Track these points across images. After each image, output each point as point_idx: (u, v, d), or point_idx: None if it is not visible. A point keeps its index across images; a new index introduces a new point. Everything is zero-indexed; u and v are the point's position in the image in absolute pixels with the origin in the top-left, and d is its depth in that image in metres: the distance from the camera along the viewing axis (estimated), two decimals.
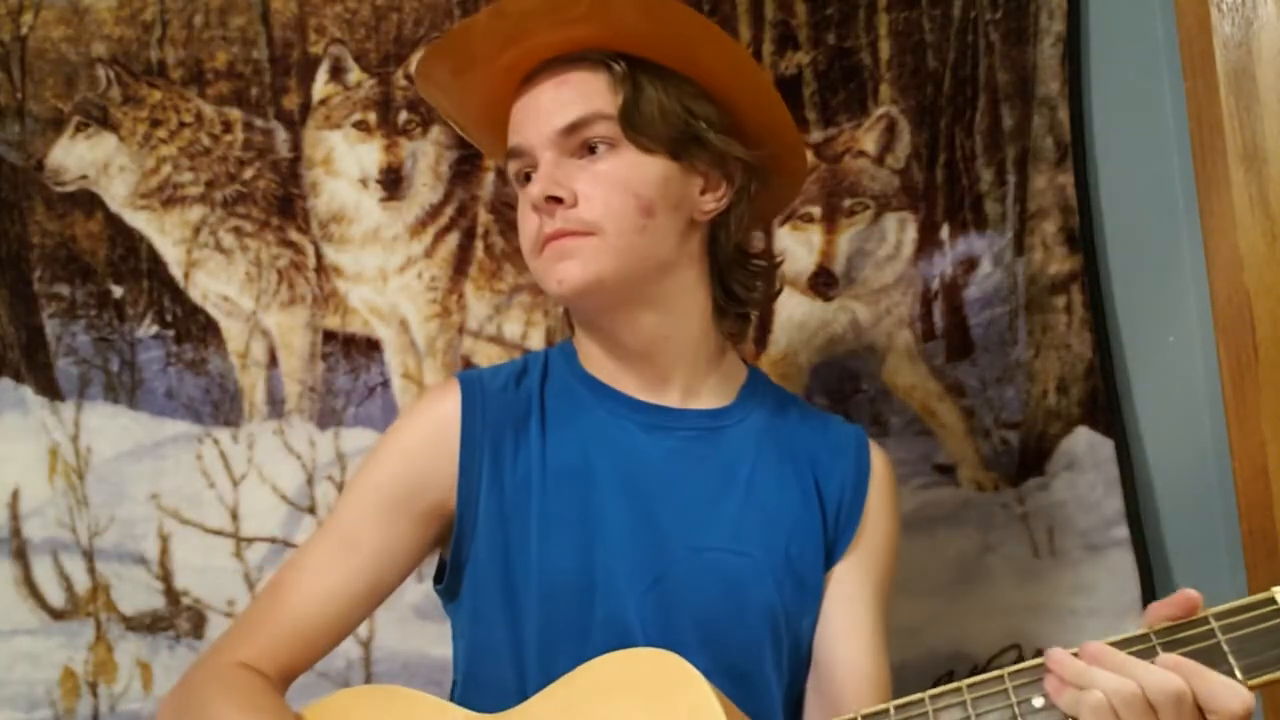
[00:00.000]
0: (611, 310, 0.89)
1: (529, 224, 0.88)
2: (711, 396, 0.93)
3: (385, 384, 1.22)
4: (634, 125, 0.86)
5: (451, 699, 0.90)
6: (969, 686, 0.71)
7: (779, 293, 1.02)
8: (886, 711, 0.74)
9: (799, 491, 0.92)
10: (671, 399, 0.91)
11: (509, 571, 0.87)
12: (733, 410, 0.94)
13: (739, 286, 0.94)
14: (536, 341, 1.23)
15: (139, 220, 1.22)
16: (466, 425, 0.89)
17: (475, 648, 0.89)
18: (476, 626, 0.89)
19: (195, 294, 1.22)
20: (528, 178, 0.88)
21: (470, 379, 0.92)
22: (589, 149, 0.86)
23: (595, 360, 0.93)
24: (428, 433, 0.90)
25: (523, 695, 0.83)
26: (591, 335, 0.92)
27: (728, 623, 0.87)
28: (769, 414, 0.95)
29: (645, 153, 0.86)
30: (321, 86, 1.22)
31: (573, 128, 0.86)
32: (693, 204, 0.89)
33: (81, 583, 1.18)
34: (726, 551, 0.88)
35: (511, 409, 0.91)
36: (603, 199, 0.85)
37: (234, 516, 1.20)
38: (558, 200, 0.85)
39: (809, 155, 1.23)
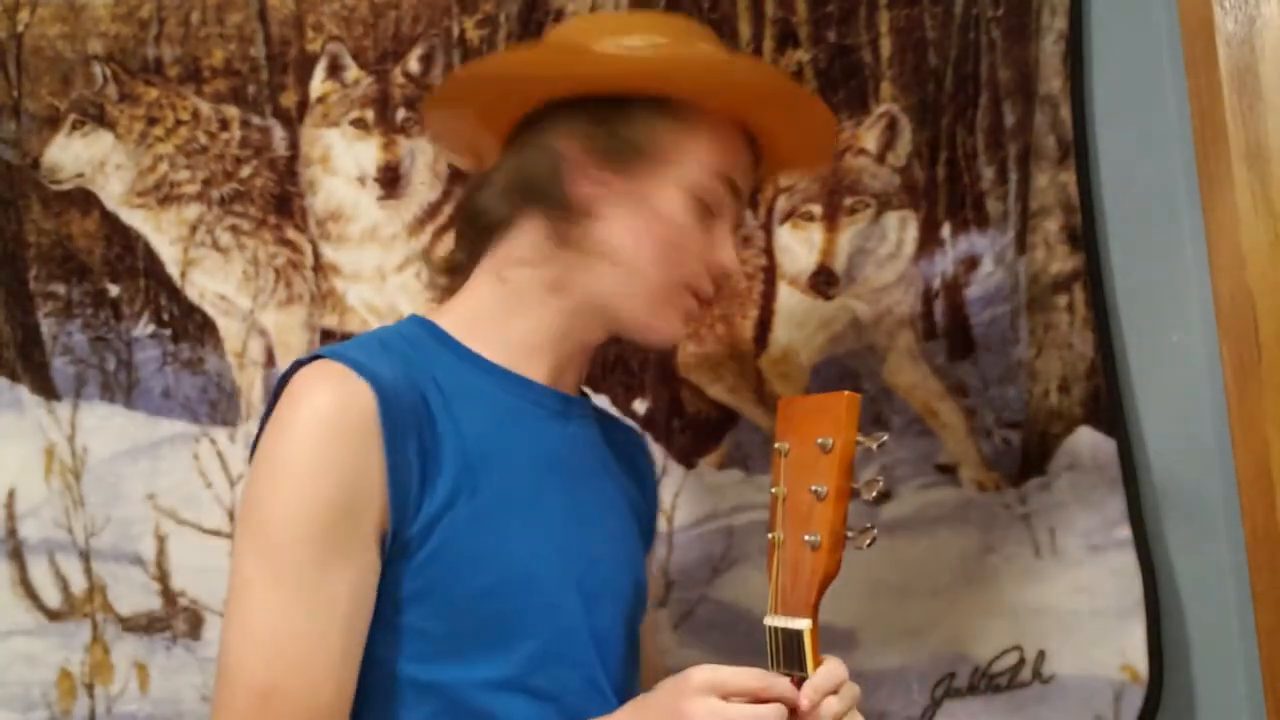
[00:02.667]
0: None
1: (694, 260, 0.88)
2: (572, 386, 0.95)
3: None
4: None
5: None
6: None
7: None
8: None
9: (630, 485, 0.99)
10: (567, 386, 0.92)
11: (459, 570, 0.79)
12: (588, 401, 0.99)
13: None
14: None
15: (135, 219, 1.21)
16: (387, 423, 0.76)
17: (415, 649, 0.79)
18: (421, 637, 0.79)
19: (192, 293, 1.21)
20: (713, 216, 0.89)
21: (365, 368, 0.77)
22: None
23: (498, 344, 0.87)
24: (353, 440, 0.75)
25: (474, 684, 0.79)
26: (540, 326, 0.88)
27: (633, 601, 0.93)
28: (594, 409, 1.00)
29: None
30: (319, 84, 1.22)
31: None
32: None
33: (78, 583, 1.17)
34: (621, 533, 0.95)
35: (412, 395, 0.79)
36: None
37: (231, 516, 1.19)
38: None
39: None
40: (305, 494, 0.73)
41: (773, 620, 0.79)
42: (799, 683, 0.75)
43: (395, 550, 0.76)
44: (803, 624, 0.77)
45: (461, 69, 1.17)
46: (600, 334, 0.91)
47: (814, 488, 0.79)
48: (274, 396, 0.80)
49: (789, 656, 0.77)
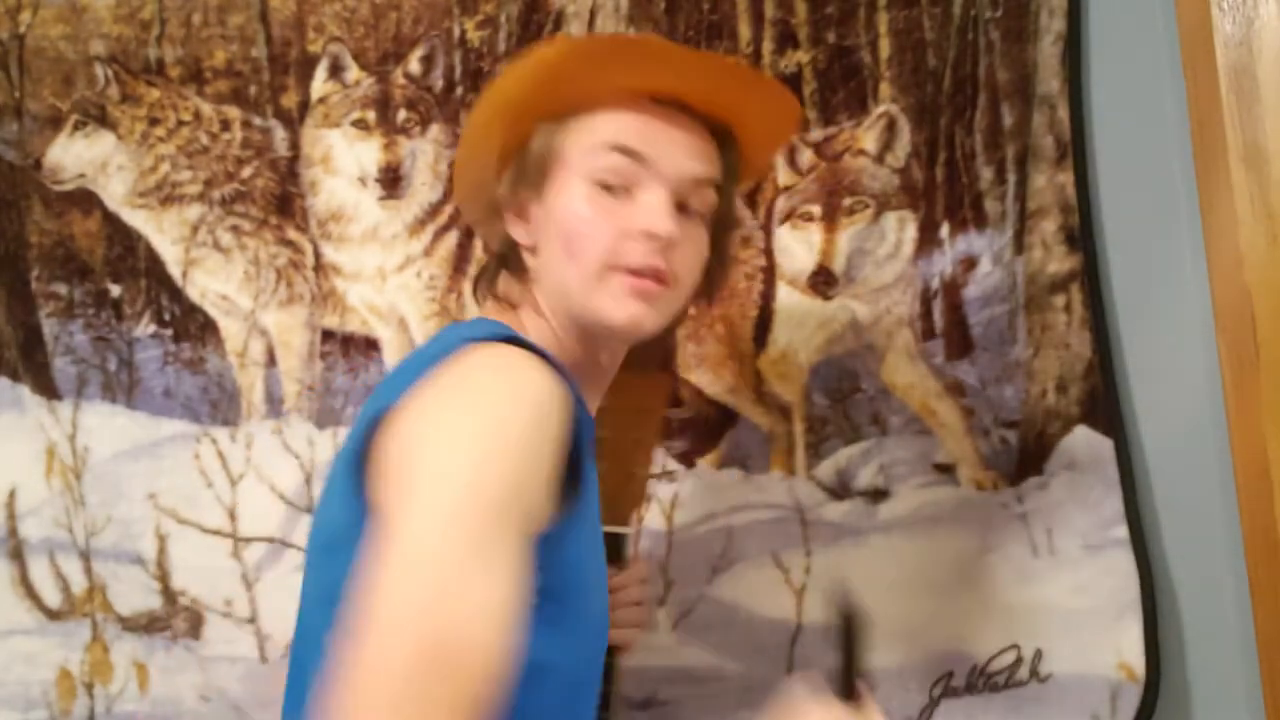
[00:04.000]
0: (622, 347, 0.92)
1: (611, 238, 0.85)
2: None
3: None
4: (720, 209, 0.91)
5: None
6: None
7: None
8: None
9: None
10: (592, 410, 0.93)
11: (583, 597, 0.80)
12: None
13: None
14: None
15: (137, 219, 1.21)
16: (574, 425, 0.75)
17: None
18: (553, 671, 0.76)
19: (193, 293, 1.21)
20: (609, 187, 0.87)
21: (532, 344, 0.80)
22: (682, 209, 0.88)
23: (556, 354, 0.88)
24: (556, 429, 0.73)
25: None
26: (568, 340, 0.89)
27: None
28: None
29: (707, 230, 0.91)
30: (320, 85, 1.22)
31: (700, 183, 0.88)
32: None
33: (78, 583, 1.18)
34: None
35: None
36: (690, 261, 0.88)
37: (232, 516, 1.19)
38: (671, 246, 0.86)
39: (809, 154, 1.23)
40: (504, 463, 0.69)
41: (605, 528, 0.91)
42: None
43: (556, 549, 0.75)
44: (628, 530, 0.99)
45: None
46: (596, 346, 0.90)
47: (635, 436, 1.02)
48: (424, 362, 0.76)
49: (613, 555, 0.95)
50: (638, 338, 0.88)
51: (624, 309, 0.85)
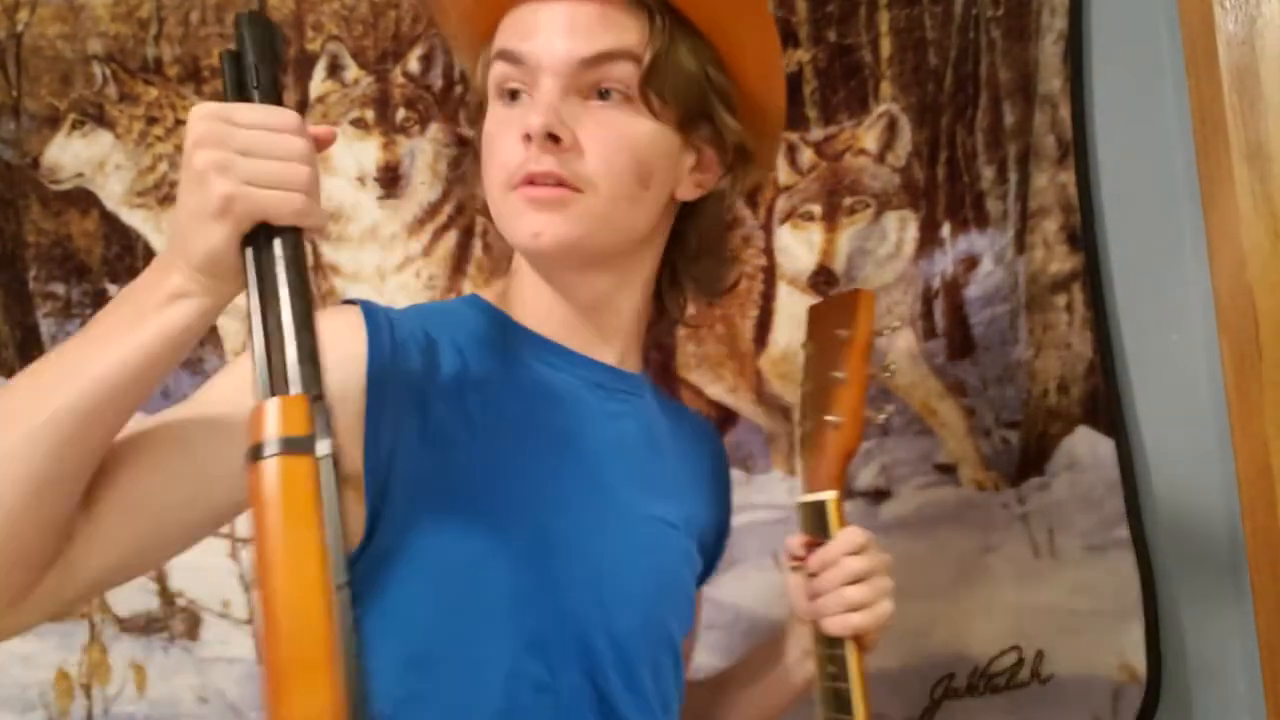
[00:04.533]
0: (572, 269, 0.84)
1: (508, 153, 0.79)
2: (634, 363, 0.91)
3: None
4: (656, 83, 0.79)
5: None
6: None
7: (731, 288, 1.00)
8: None
9: (691, 472, 0.94)
10: (608, 358, 0.87)
11: (450, 538, 0.74)
12: (644, 380, 0.93)
13: (695, 275, 0.91)
14: None
15: (135, 218, 1.21)
16: (374, 362, 0.74)
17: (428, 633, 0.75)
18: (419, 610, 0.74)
19: None
20: (513, 95, 0.81)
21: (372, 306, 0.77)
22: (599, 93, 0.79)
23: (530, 311, 0.85)
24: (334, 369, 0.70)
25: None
26: (536, 284, 0.85)
27: (667, 594, 0.87)
28: (656, 391, 0.96)
29: (655, 118, 0.80)
30: (319, 84, 1.22)
31: (597, 60, 0.77)
32: (680, 181, 0.85)
33: None
34: (664, 521, 0.88)
35: (413, 346, 0.77)
36: (605, 155, 0.78)
37: None
38: (556, 140, 0.76)
39: (810, 153, 1.23)
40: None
41: (802, 498, 0.87)
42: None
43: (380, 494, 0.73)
44: (828, 495, 0.86)
45: None
46: (552, 279, 0.85)
47: (835, 374, 0.88)
48: None
49: (817, 527, 0.86)
50: (553, 254, 0.80)
51: (526, 225, 0.78)
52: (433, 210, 1.22)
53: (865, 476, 1.21)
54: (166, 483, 0.68)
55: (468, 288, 1.22)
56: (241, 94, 0.65)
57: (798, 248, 1.23)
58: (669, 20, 0.80)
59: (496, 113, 0.82)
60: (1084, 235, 1.22)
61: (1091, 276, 1.22)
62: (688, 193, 0.86)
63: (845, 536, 0.84)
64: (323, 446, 0.57)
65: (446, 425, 0.76)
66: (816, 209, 1.23)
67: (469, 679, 0.74)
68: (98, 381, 0.61)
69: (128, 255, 1.21)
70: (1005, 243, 1.23)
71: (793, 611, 0.92)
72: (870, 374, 0.90)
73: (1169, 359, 1.23)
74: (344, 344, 0.72)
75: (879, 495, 1.21)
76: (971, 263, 1.23)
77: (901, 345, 1.23)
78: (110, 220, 1.21)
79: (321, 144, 0.65)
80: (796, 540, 0.88)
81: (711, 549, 0.99)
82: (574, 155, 0.78)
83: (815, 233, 1.23)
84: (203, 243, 0.61)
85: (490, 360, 0.81)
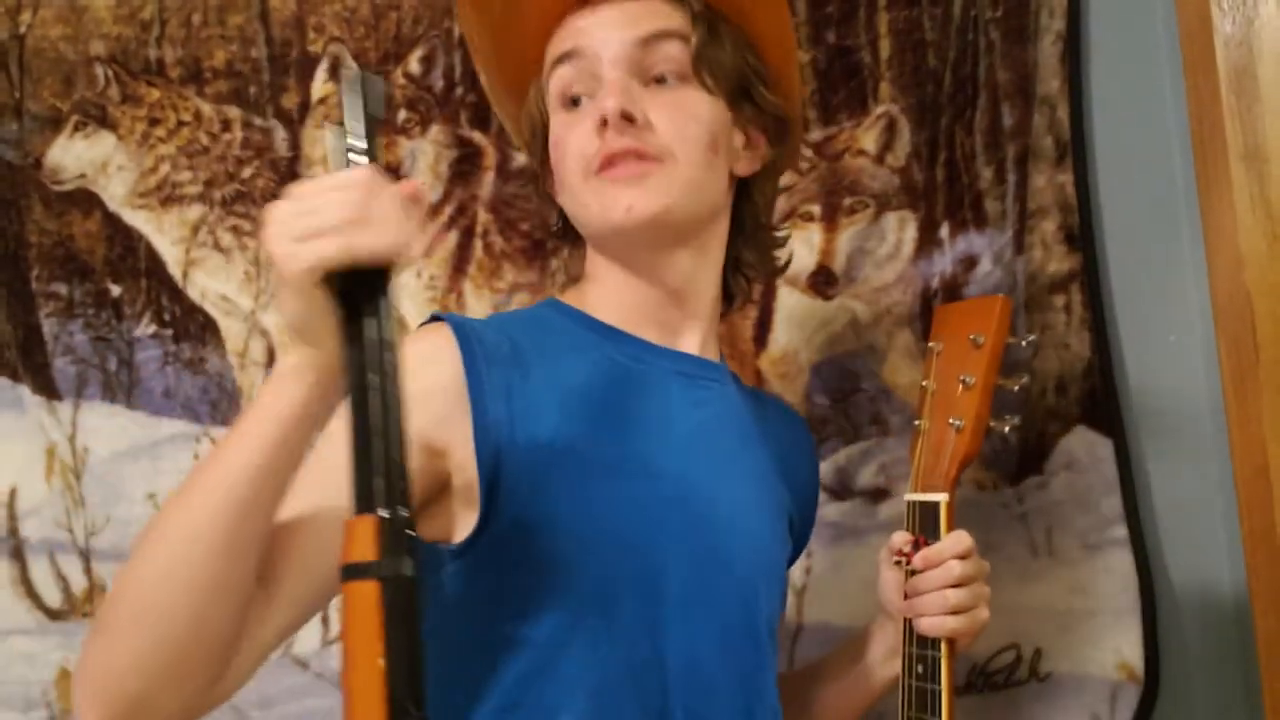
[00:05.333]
0: (660, 247, 0.86)
1: (584, 143, 0.83)
2: (713, 351, 0.93)
3: None
4: (707, 62, 0.84)
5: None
6: None
7: (785, 268, 1.01)
8: None
9: (778, 458, 0.94)
10: (690, 347, 0.89)
11: (554, 530, 0.76)
12: (726, 369, 0.94)
13: (755, 253, 0.94)
14: None
15: (137, 219, 1.21)
16: (469, 364, 0.77)
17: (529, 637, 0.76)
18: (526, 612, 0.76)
19: (194, 293, 1.21)
20: (575, 102, 0.85)
21: (459, 321, 0.81)
22: (656, 79, 0.84)
23: (611, 308, 0.87)
24: (422, 366, 0.74)
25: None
26: (617, 277, 0.87)
27: (755, 583, 0.87)
28: (737, 379, 0.97)
29: (709, 93, 0.85)
30: (320, 85, 1.22)
31: (651, 39, 0.83)
32: (736, 156, 0.89)
33: (78, 583, 1.18)
34: (750, 507, 0.88)
35: (503, 348, 0.80)
36: (676, 126, 0.83)
37: None
38: (630, 120, 0.81)
39: (810, 154, 1.23)
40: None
41: (913, 496, 0.88)
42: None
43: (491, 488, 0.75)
44: (941, 497, 0.87)
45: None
46: (636, 264, 0.87)
47: (963, 378, 0.89)
48: None
49: (926, 526, 0.86)
50: (647, 226, 0.82)
51: (615, 202, 0.81)
52: (433, 211, 1.22)
53: (865, 476, 1.22)
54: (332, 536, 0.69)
55: (468, 288, 1.22)
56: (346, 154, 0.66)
57: (797, 248, 1.23)
58: (704, 6, 0.86)
59: (561, 119, 0.86)
60: (1082, 236, 1.22)
61: (1090, 277, 1.22)
62: (745, 167, 0.90)
63: (954, 539, 0.86)
64: (396, 566, 0.57)
65: (541, 433, 0.77)
66: (816, 209, 1.23)
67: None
68: (244, 475, 0.65)
69: (130, 256, 1.21)
70: (1004, 243, 1.23)
71: (884, 608, 0.92)
72: (998, 383, 0.90)
73: (1167, 359, 1.23)
74: (440, 365, 0.77)
75: (879, 495, 1.21)
76: (970, 263, 1.23)
77: (901, 345, 1.23)
78: (112, 221, 1.21)
79: (410, 198, 0.64)
80: (902, 536, 0.89)
81: (800, 532, 1.01)
82: (647, 131, 0.82)
83: (815, 233, 1.23)
84: (287, 312, 0.64)
85: (577, 360, 0.83)
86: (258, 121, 1.22)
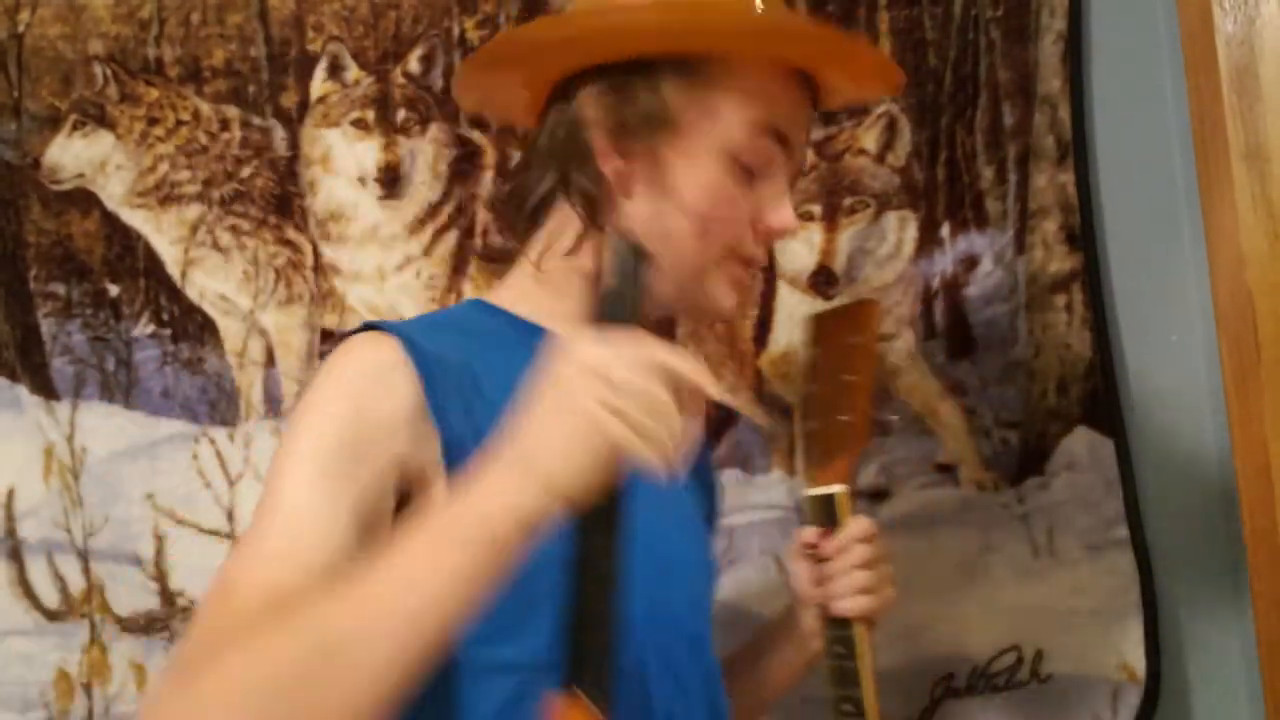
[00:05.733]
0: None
1: (737, 231, 0.82)
2: None
3: None
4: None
5: None
6: None
7: None
8: None
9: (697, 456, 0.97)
10: None
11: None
12: None
13: None
14: None
15: (136, 219, 1.21)
16: (422, 368, 0.75)
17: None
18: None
19: (192, 293, 1.21)
20: (749, 172, 0.82)
21: (398, 330, 0.77)
22: None
23: (547, 315, 0.83)
24: (379, 386, 0.73)
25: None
26: (577, 298, 0.84)
27: (707, 583, 0.92)
28: None
29: None
30: (319, 84, 1.22)
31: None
32: None
33: (76, 583, 1.17)
34: (693, 507, 0.92)
35: (451, 359, 0.77)
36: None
37: (230, 517, 1.19)
38: None
39: (810, 154, 1.23)
40: (333, 411, 0.73)
41: (811, 491, 0.91)
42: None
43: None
44: (839, 488, 0.89)
45: (502, 35, 1.08)
46: (651, 313, 0.84)
47: (846, 377, 0.92)
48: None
49: (827, 518, 0.89)
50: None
51: (729, 298, 0.83)
52: (433, 210, 1.22)
53: (865, 476, 1.21)
54: None
55: (468, 287, 1.22)
56: (615, 320, 0.68)
57: (797, 247, 1.23)
58: None
59: (731, 184, 0.81)
60: (1083, 235, 1.22)
61: (1091, 277, 1.22)
62: None
63: (858, 525, 0.89)
64: None
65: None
66: (816, 209, 1.23)
67: None
68: (450, 607, 0.62)
69: (128, 255, 1.21)
70: (1005, 243, 1.23)
71: (798, 599, 0.94)
72: (874, 415, 0.96)
73: (1168, 359, 1.23)
74: (400, 388, 0.74)
75: (879, 495, 1.21)
76: (971, 263, 1.23)
77: (901, 345, 1.23)
78: (111, 220, 1.21)
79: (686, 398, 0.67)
80: (809, 530, 0.91)
81: (713, 520, 1.05)
82: None
83: (815, 233, 1.23)
84: (578, 475, 0.62)
85: (521, 369, 0.76)
86: (256, 121, 1.21)
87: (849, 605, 0.88)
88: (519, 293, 0.87)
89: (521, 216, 0.87)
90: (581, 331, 0.67)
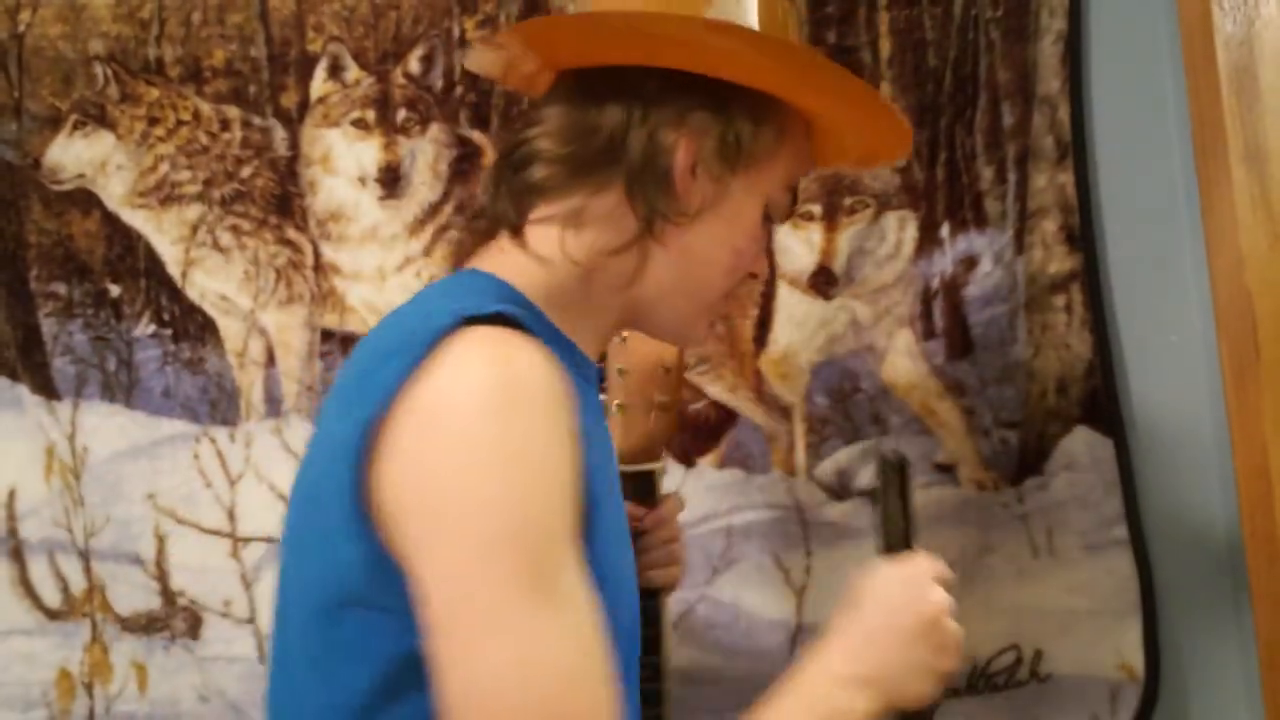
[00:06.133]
0: None
1: (736, 275, 0.82)
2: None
3: None
4: None
5: None
6: None
7: None
8: None
9: None
10: (592, 352, 0.85)
11: (615, 588, 0.71)
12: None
13: None
14: None
15: (136, 219, 1.21)
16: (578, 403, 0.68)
17: None
18: None
19: (193, 293, 1.21)
20: (767, 220, 0.82)
21: (516, 316, 0.69)
22: None
23: (576, 332, 0.79)
24: (568, 411, 0.64)
25: None
26: (609, 319, 0.81)
27: None
28: None
29: None
30: (320, 84, 1.22)
31: None
32: None
33: (77, 583, 1.17)
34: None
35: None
36: None
37: (231, 516, 1.19)
38: None
39: None
40: (547, 479, 0.61)
41: (627, 468, 0.93)
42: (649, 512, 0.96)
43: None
44: (655, 465, 0.97)
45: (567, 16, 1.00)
46: (626, 325, 0.84)
47: (664, 365, 0.98)
48: (416, 354, 0.64)
49: (644, 493, 0.96)
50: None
51: (703, 333, 0.85)
52: (433, 210, 1.22)
53: (865, 476, 1.22)
54: None
55: None
56: (903, 546, 0.79)
57: (797, 247, 1.23)
58: None
59: (758, 230, 0.81)
60: (1083, 236, 1.22)
61: (1090, 277, 1.22)
62: None
63: (674, 501, 0.98)
64: None
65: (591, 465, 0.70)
66: (816, 209, 1.23)
67: None
68: None
69: (129, 255, 1.21)
70: (1004, 243, 1.23)
71: None
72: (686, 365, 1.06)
73: (1167, 359, 1.23)
74: (565, 400, 0.65)
75: (878, 495, 1.21)
76: (971, 263, 1.23)
77: (900, 345, 1.23)
78: (111, 220, 1.21)
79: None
80: (630, 506, 0.94)
81: None
82: None
83: (815, 232, 1.23)
84: (921, 694, 0.77)
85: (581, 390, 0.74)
86: (257, 121, 1.21)
87: (667, 574, 0.96)
88: (531, 280, 0.77)
89: (519, 180, 0.78)
90: (904, 565, 0.77)
